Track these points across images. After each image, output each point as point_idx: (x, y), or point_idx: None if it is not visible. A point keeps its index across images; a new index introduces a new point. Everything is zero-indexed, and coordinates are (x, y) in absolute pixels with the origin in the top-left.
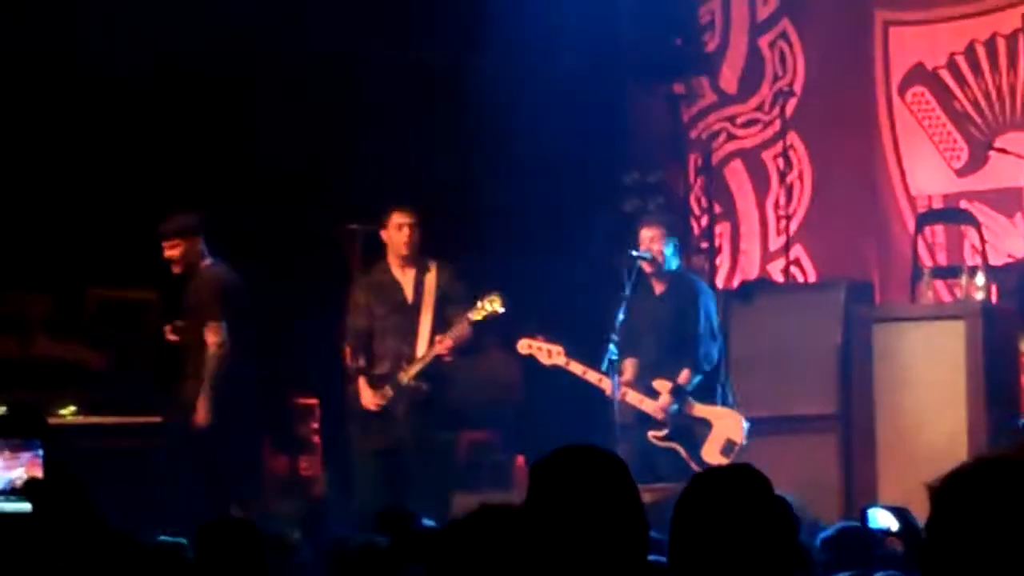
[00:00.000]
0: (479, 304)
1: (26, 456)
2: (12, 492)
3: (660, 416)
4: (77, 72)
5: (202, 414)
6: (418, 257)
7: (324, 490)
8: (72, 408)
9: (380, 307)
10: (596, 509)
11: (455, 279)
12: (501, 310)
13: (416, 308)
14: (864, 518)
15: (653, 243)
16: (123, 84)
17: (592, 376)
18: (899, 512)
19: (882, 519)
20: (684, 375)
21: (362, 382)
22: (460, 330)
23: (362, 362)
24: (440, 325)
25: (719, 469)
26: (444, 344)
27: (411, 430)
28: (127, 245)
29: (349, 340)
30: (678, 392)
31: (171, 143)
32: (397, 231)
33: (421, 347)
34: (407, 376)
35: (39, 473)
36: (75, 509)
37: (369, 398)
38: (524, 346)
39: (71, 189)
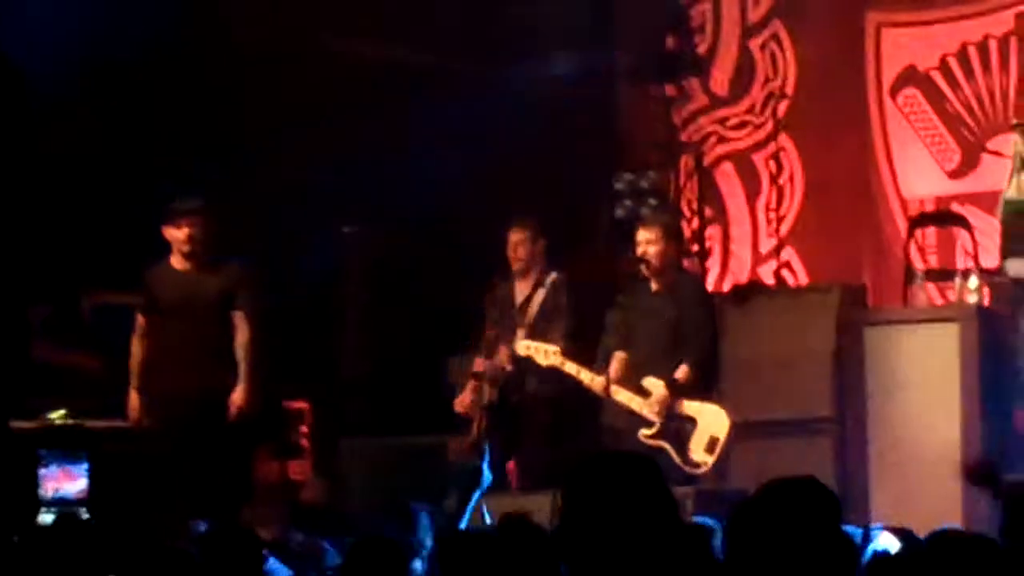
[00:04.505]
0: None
1: (75, 470)
2: (66, 503)
3: (651, 414)
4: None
5: (245, 396)
6: (535, 271)
7: (314, 495)
8: (62, 412)
9: (493, 314)
10: (637, 516)
11: (562, 296)
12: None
13: (514, 321)
14: (866, 538)
15: (650, 245)
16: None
17: (585, 376)
18: (903, 533)
19: (883, 540)
20: (683, 371)
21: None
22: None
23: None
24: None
25: (785, 483)
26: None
27: None
28: (124, 248)
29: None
30: (674, 388)
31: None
32: (510, 248)
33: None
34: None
35: (85, 486)
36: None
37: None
38: (523, 347)
39: (67, 193)
